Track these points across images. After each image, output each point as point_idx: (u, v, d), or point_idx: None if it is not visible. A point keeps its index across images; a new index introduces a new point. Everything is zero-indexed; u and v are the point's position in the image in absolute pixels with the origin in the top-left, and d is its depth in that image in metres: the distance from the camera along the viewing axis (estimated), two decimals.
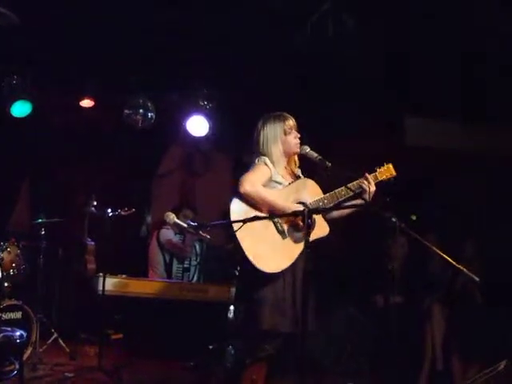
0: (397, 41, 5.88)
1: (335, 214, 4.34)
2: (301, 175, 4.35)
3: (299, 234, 4.04)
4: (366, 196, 4.16)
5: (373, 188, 4.20)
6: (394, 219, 3.46)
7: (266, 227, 4.01)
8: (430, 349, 6.03)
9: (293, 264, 4.00)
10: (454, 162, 7.12)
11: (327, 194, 4.17)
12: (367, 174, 4.24)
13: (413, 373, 5.98)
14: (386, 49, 6.08)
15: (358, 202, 4.23)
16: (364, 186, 4.19)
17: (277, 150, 4.18)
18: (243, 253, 3.88)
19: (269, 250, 3.95)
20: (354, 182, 4.20)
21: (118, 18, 5.87)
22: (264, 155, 4.16)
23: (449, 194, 7.04)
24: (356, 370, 6.09)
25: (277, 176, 4.16)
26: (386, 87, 6.71)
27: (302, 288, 3.79)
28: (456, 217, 6.73)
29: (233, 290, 6.69)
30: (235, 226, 3.80)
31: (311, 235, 3.65)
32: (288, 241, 4.05)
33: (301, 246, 4.01)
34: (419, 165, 7.11)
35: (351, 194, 4.14)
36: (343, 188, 4.14)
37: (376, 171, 4.31)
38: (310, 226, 3.37)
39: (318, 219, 4.08)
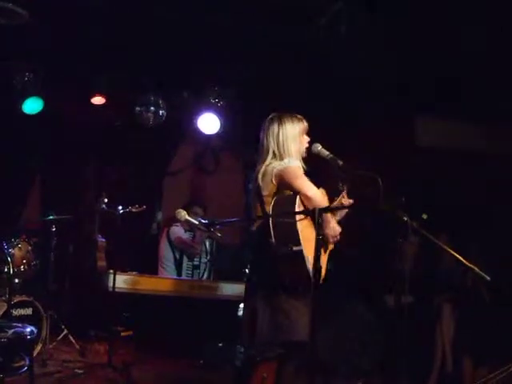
0: (409, 39, 5.86)
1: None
2: None
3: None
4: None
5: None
6: (405, 218, 3.44)
7: (313, 233, 3.98)
8: (440, 349, 6.02)
9: None
10: (465, 162, 7.09)
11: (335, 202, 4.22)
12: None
13: (423, 373, 5.97)
14: (397, 48, 6.06)
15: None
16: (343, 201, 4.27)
17: (296, 149, 4.12)
18: (301, 256, 3.75)
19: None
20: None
21: (129, 16, 5.87)
22: (281, 154, 4.11)
23: (460, 193, 7.01)
24: (366, 370, 6.08)
25: None
26: (397, 86, 6.69)
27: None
28: (466, 216, 6.71)
29: (240, 286, 6.70)
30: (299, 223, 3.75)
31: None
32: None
33: (327, 253, 4.09)
34: (429, 164, 7.09)
35: None
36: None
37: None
38: (320, 225, 3.34)
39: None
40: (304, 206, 3.92)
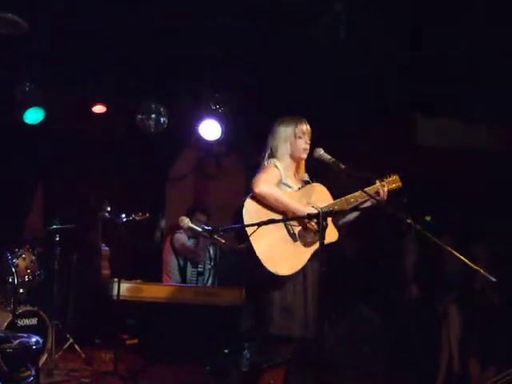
0: (409, 37, 5.87)
1: (348, 218, 4.31)
2: (309, 180, 4.33)
3: (309, 237, 4.01)
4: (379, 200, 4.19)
5: (385, 195, 4.19)
6: (409, 220, 3.44)
7: (278, 230, 3.98)
8: (447, 350, 6.00)
9: (304, 266, 3.98)
10: (466, 162, 7.08)
11: (340, 199, 4.16)
12: (378, 181, 4.23)
13: (429, 374, 5.95)
14: (397, 46, 6.06)
15: (369, 203, 4.23)
16: (380, 191, 4.17)
17: (285, 151, 4.17)
18: (255, 254, 3.84)
19: (281, 253, 3.92)
20: (371, 187, 4.18)
21: (129, 24, 5.88)
22: (274, 156, 4.16)
23: (462, 195, 7.00)
24: (372, 371, 6.06)
25: (286, 179, 4.16)
26: (398, 86, 6.69)
27: (317, 290, 3.78)
28: (469, 218, 6.70)
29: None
30: (249, 230, 3.78)
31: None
32: (298, 244, 4.02)
33: (311, 250, 4.02)
34: (431, 165, 7.08)
35: (366, 198, 4.13)
36: (359, 192, 4.12)
37: (384, 180, 4.28)
38: (324, 229, 3.34)
39: (329, 225, 4.07)
40: (262, 203, 3.99)
